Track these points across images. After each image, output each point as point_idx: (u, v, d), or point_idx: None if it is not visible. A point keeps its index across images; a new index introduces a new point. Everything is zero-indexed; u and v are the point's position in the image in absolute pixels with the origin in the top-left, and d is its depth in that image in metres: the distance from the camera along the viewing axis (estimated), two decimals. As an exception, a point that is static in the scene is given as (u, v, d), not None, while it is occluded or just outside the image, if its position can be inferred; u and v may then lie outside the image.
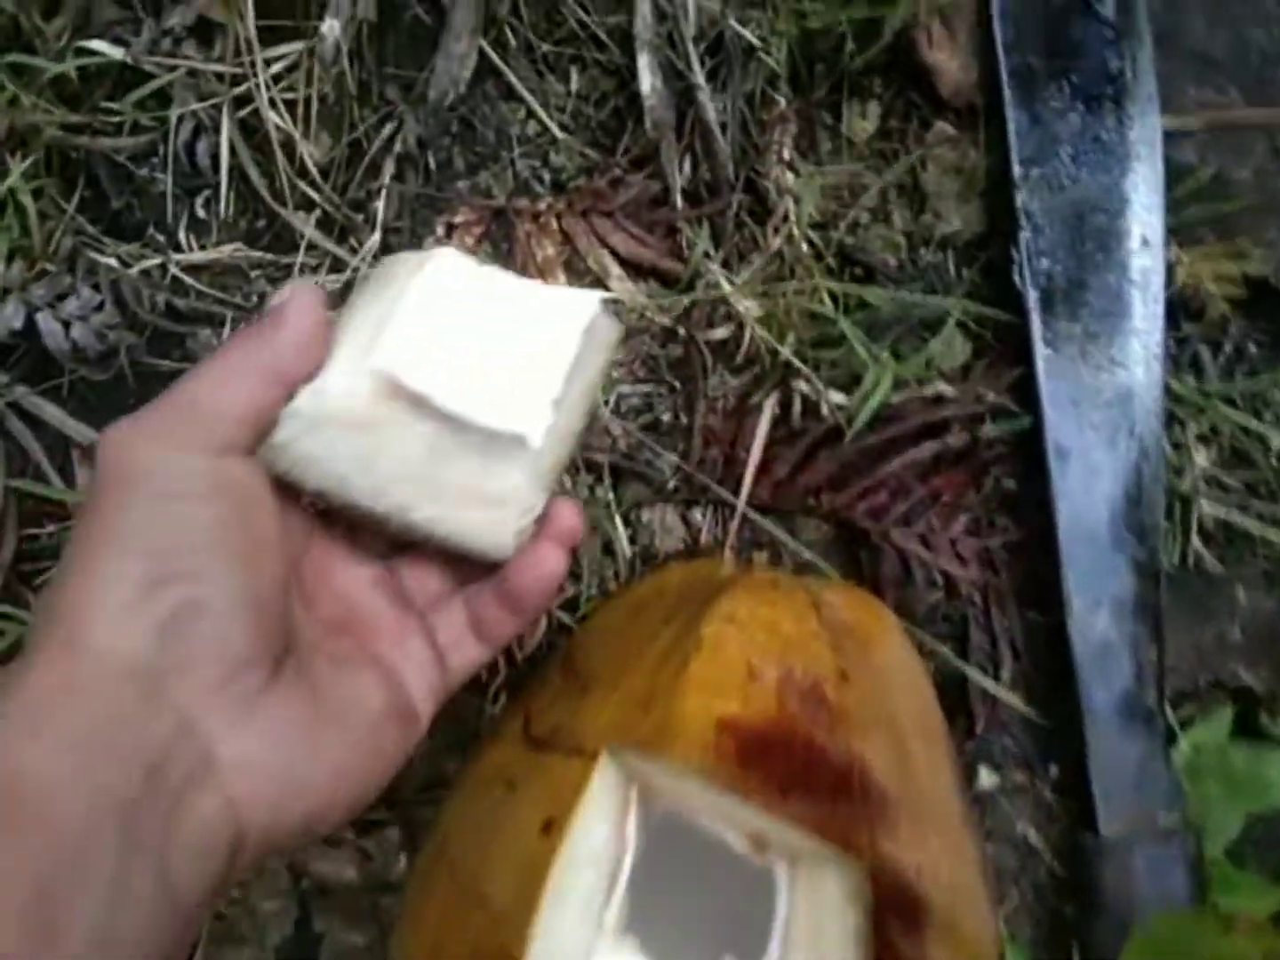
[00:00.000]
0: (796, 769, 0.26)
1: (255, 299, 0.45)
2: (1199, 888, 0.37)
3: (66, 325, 0.40)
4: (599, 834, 0.28)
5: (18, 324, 0.39)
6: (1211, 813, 0.37)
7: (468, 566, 0.31)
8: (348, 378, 0.28)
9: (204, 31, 0.42)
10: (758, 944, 0.27)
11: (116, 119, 0.42)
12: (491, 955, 0.25)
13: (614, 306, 0.42)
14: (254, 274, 0.45)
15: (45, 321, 0.39)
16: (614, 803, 0.28)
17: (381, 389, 0.28)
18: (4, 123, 0.38)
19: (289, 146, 0.43)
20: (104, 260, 0.43)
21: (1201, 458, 0.40)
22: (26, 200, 0.40)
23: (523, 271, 0.43)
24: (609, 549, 0.44)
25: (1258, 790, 0.37)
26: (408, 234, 0.44)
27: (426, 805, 0.43)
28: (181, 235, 0.45)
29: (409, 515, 0.28)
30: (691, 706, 0.27)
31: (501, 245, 0.45)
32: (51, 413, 0.44)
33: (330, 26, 0.39)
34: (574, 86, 0.44)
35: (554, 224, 0.44)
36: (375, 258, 0.43)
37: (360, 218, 0.44)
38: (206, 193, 0.45)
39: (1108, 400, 0.39)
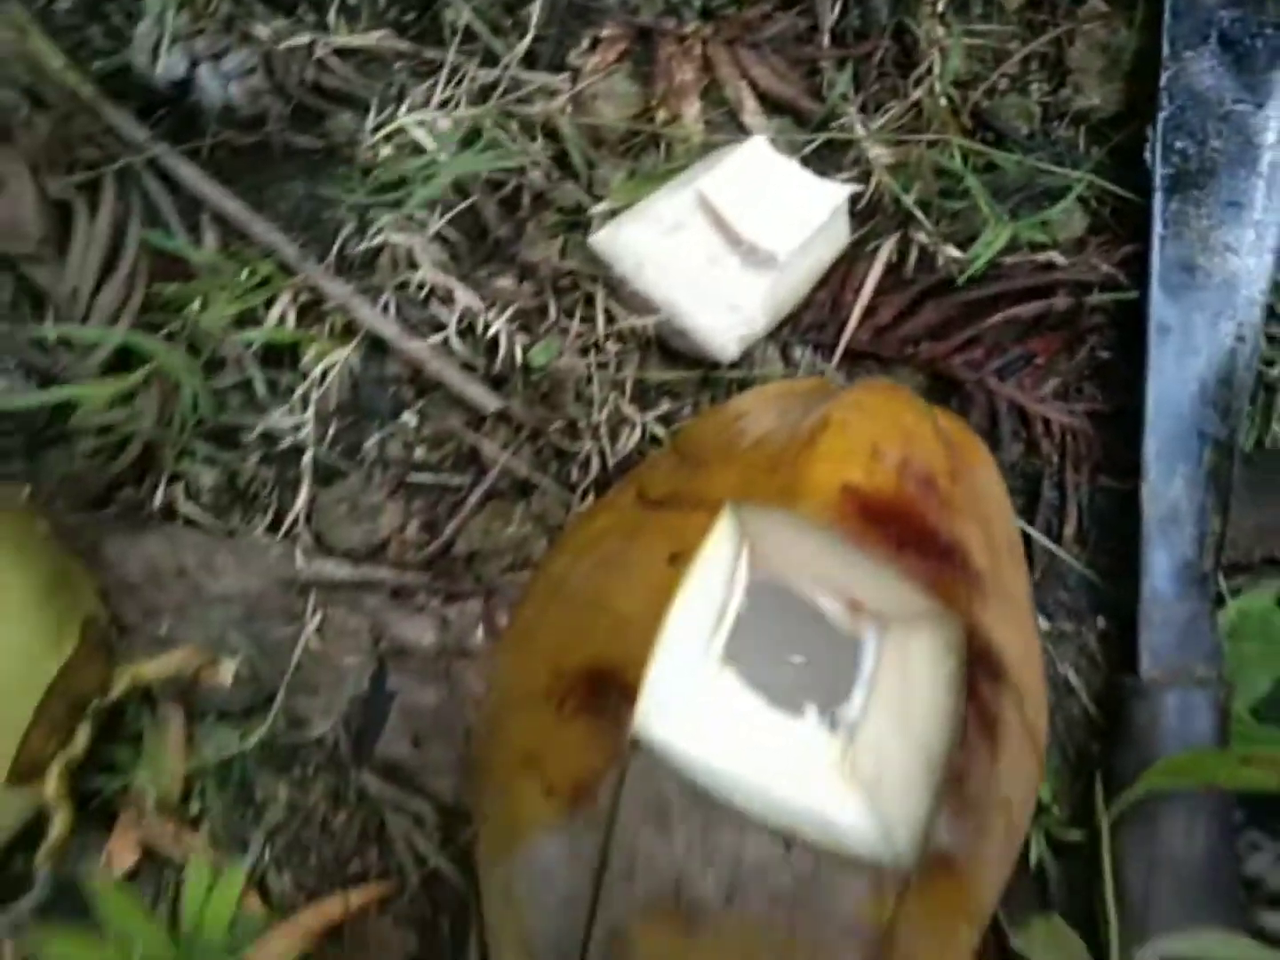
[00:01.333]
0: (910, 534, 0.29)
1: (396, 89, 0.46)
2: (1223, 737, 0.40)
3: (226, 82, 0.41)
4: (716, 574, 0.30)
5: (180, 72, 0.41)
6: (1245, 671, 0.40)
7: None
8: (672, 194, 0.41)
9: None
10: (841, 696, 0.30)
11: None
12: (615, 658, 0.28)
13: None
14: (397, 64, 0.46)
15: (206, 74, 0.41)
16: (730, 552, 0.31)
17: (695, 202, 0.40)
18: None
19: (454, -63, 0.43)
20: (257, 30, 0.44)
21: (1294, 355, 0.42)
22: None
23: (656, 93, 0.45)
24: (706, 378, 0.46)
25: (1292, 658, 0.40)
26: (554, 42, 0.45)
27: (509, 584, 0.46)
28: (331, 17, 0.46)
29: (676, 311, 0.41)
30: (818, 472, 0.29)
31: (643, 65, 0.46)
32: (187, 173, 0.46)
33: None
34: (738, -87, 0.44)
35: (697, 49, 0.45)
36: (521, 62, 0.44)
37: (509, 22, 0.45)
38: (364, -22, 0.46)
39: (1216, 284, 0.41)
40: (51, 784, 0.40)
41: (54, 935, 0.37)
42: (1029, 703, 0.30)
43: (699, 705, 0.28)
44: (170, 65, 0.40)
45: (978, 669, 0.28)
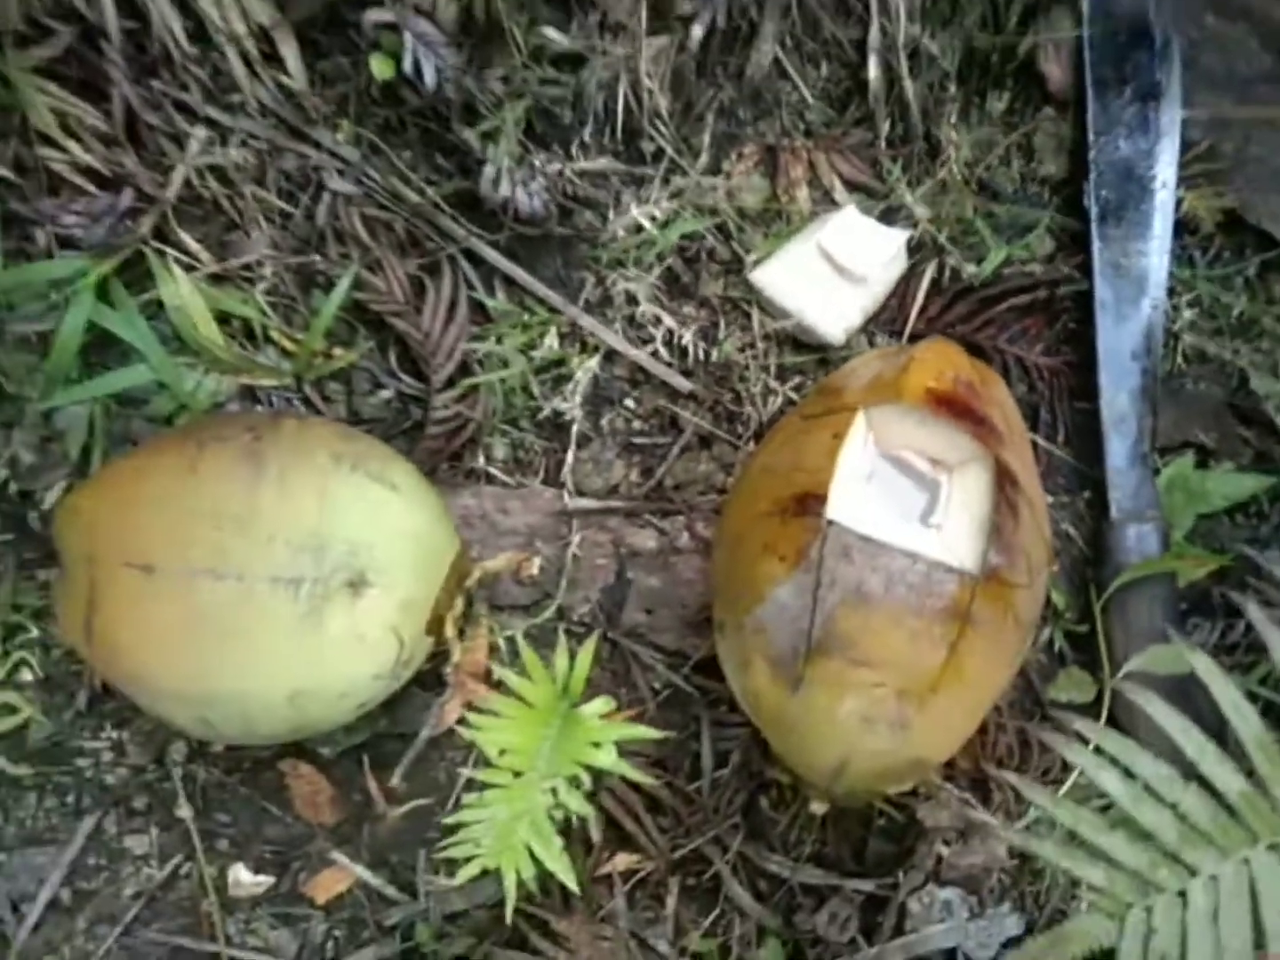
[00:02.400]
0: (963, 411, 0.55)
1: (616, 194, 0.74)
2: (1165, 552, 0.65)
3: (530, 197, 0.69)
4: (858, 443, 0.56)
5: (508, 194, 0.68)
6: (1176, 512, 0.65)
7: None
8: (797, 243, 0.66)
9: (610, 25, 0.71)
10: (929, 511, 0.56)
11: (552, 76, 0.71)
12: (812, 486, 0.54)
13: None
14: (614, 179, 0.74)
15: (521, 193, 0.69)
16: (864, 431, 0.57)
17: (814, 247, 0.68)
18: (514, 80, 0.68)
19: (651, 98, 0.71)
20: (534, 162, 0.72)
21: (1188, 314, 0.68)
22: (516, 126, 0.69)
23: (779, 185, 0.72)
24: (823, 359, 0.72)
25: (1204, 499, 0.65)
26: (714, 158, 0.73)
27: (703, 503, 0.72)
28: (574, 150, 0.74)
29: (803, 316, 0.67)
30: (912, 382, 0.55)
31: (769, 168, 0.73)
32: (490, 254, 0.74)
33: (695, 30, 0.68)
34: (823, 72, 0.72)
35: (804, 156, 0.72)
36: (700, 173, 0.72)
37: (687, 147, 0.73)
38: (590, 126, 0.73)
39: (1135, 276, 0.67)
40: (451, 629, 0.66)
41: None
42: (1035, 502, 0.56)
43: (861, 507, 0.54)
44: (504, 190, 0.68)
45: (1003, 479, 0.54)
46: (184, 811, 0.70)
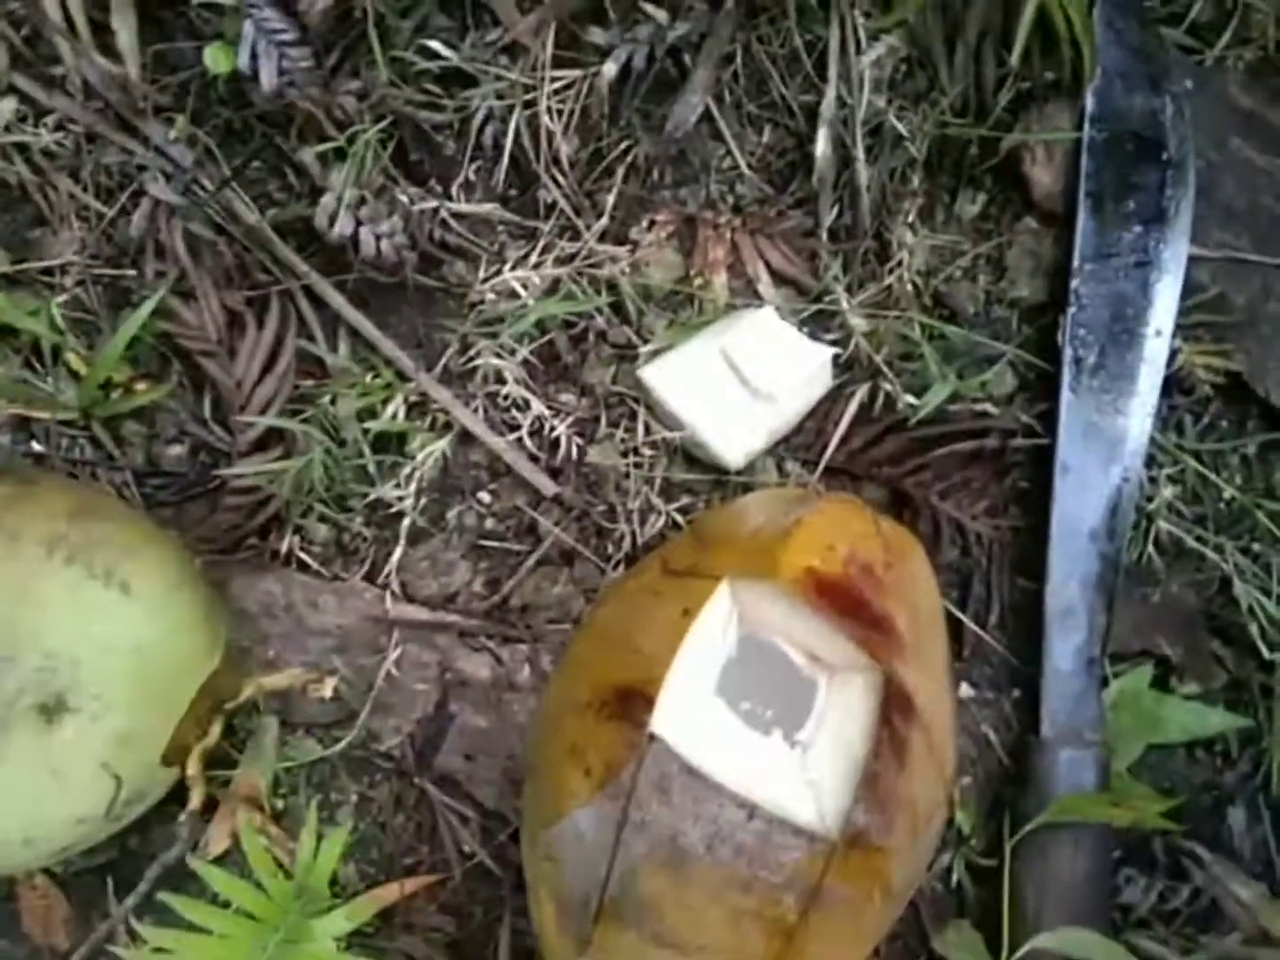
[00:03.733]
0: (850, 607, 0.41)
1: (498, 247, 0.61)
2: (1103, 787, 0.51)
3: (378, 239, 0.56)
4: (715, 626, 0.43)
5: (349, 232, 0.55)
6: (1122, 737, 0.52)
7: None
8: (703, 343, 0.56)
9: (510, 47, 0.58)
10: (799, 722, 0.42)
11: (432, 98, 0.58)
12: (639, 680, 0.40)
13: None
14: (499, 228, 0.61)
15: (365, 234, 0.55)
16: (725, 611, 0.43)
17: (719, 352, 0.55)
18: (373, 95, 0.54)
19: (551, 141, 0.58)
20: (400, 196, 0.59)
21: (1168, 492, 0.55)
22: (367, 150, 0.56)
23: (695, 264, 0.59)
24: (717, 481, 0.59)
25: (1157, 727, 0.51)
26: (620, 222, 0.60)
27: (552, 633, 0.58)
28: (454, 189, 0.61)
29: (698, 429, 0.55)
30: (790, 558, 0.42)
31: (686, 242, 0.60)
32: (333, 298, 0.60)
33: (609, 68, 0.55)
34: (765, 139, 0.59)
35: (728, 235, 0.59)
36: (600, 237, 0.59)
37: (588, 204, 0.60)
38: (479, 162, 0.60)
39: (1108, 438, 0.54)
40: (193, 766, 0.52)
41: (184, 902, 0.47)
42: (935, 735, 0.42)
43: (697, 718, 0.40)
44: (342, 227, 0.54)
45: (892, 705, 0.40)
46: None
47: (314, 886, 0.45)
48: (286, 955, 0.41)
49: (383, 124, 0.55)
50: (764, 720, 0.42)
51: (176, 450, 0.62)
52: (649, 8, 0.55)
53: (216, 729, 0.54)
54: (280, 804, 0.59)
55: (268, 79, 0.53)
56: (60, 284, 0.62)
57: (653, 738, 0.39)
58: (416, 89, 0.57)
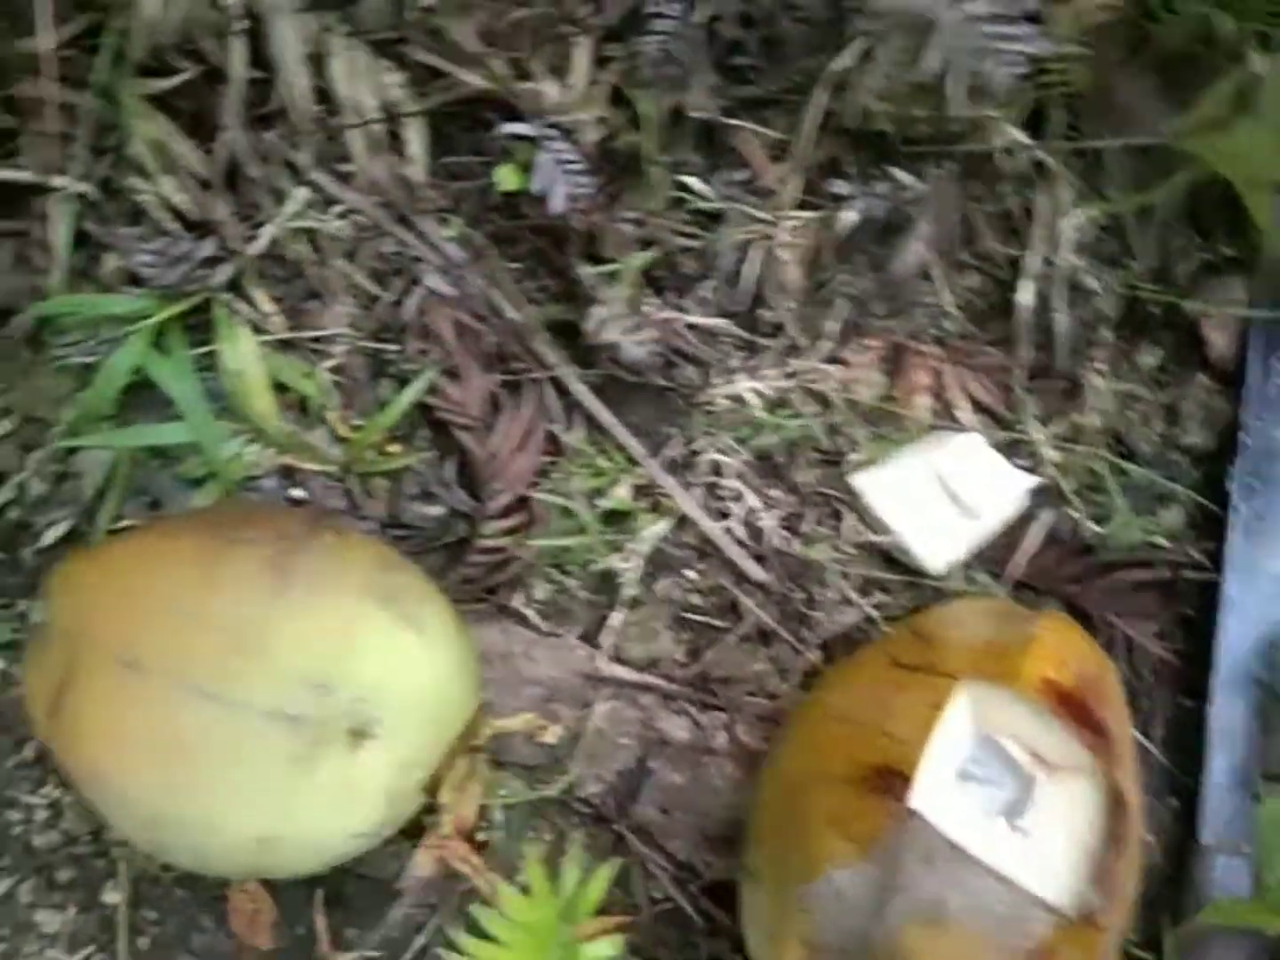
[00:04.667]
0: (1080, 715, 0.48)
1: (723, 358, 0.68)
2: (1257, 895, 0.57)
3: (635, 348, 0.64)
4: (959, 721, 0.49)
5: (613, 339, 0.63)
6: (1271, 852, 0.58)
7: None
8: (913, 458, 0.62)
9: (756, 185, 0.67)
10: (1020, 812, 0.49)
11: (688, 226, 0.66)
12: (897, 761, 0.47)
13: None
14: (726, 340, 0.69)
15: (628, 344, 0.63)
16: (967, 709, 0.50)
17: (929, 469, 0.63)
18: (648, 224, 0.63)
19: (784, 270, 0.66)
20: (644, 307, 0.67)
21: (1322, 631, 0.61)
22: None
23: (899, 385, 0.67)
24: (913, 583, 0.66)
25: (1307, 846, 0.57)
26: (836, 341, 0.68)
27: (748, 704, 0.65)
28: (689, 302, 0.69)
29: (903, 534, 0.62)
30: (1030, 667, 0.48)
31: (891, 364, 0.68)
32: (578, 388, 0.68)
33: (848, 215, 0.64)
34: (970, 282, 0.68)
35: (931, 362, 0.67)
36: (817, 356, 0.67)
37: (809, 326, 0.68)
38: (715, 281, 0.68)
39: (1270, 577, 0.61)
40: (447, 795, 0.58)
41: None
42: (1138, 824, 0.49)
43: (947, 800, 0.47)
44: (609, 334, 0.62)
45: (1116, 804, 0.47)
46: (111, 897, 0.63)
47: (579, 914, 0.51)
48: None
49: (650, 250, 0.64)
50: (993, 808, 0.49)
51: (419, 508, 0.69)
52: (890, 167, 0.64)
53: (464, 764, 0.60)
54: (481, 836, 0.65)
55: (559, 202, 0.62)
56: (328, 351, 0.70)
57: (913, 812, 0.45)
58: (676, 219, 0.66)
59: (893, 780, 0.47)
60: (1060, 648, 0.50)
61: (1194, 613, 0.63)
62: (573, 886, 0.52)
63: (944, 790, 0.47)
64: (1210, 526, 0.63)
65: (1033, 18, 0.56)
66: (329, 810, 0.53)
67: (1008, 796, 0.49)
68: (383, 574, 0.56)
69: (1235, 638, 0.60)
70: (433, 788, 0.58)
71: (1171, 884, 0.60)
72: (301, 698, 0.51)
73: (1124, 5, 0.60)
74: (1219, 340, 0.65)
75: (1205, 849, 0.58)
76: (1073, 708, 0.48)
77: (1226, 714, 0.60)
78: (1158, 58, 0.62)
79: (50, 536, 0.66)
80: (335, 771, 0.52)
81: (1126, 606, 0.62)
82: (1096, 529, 0.63)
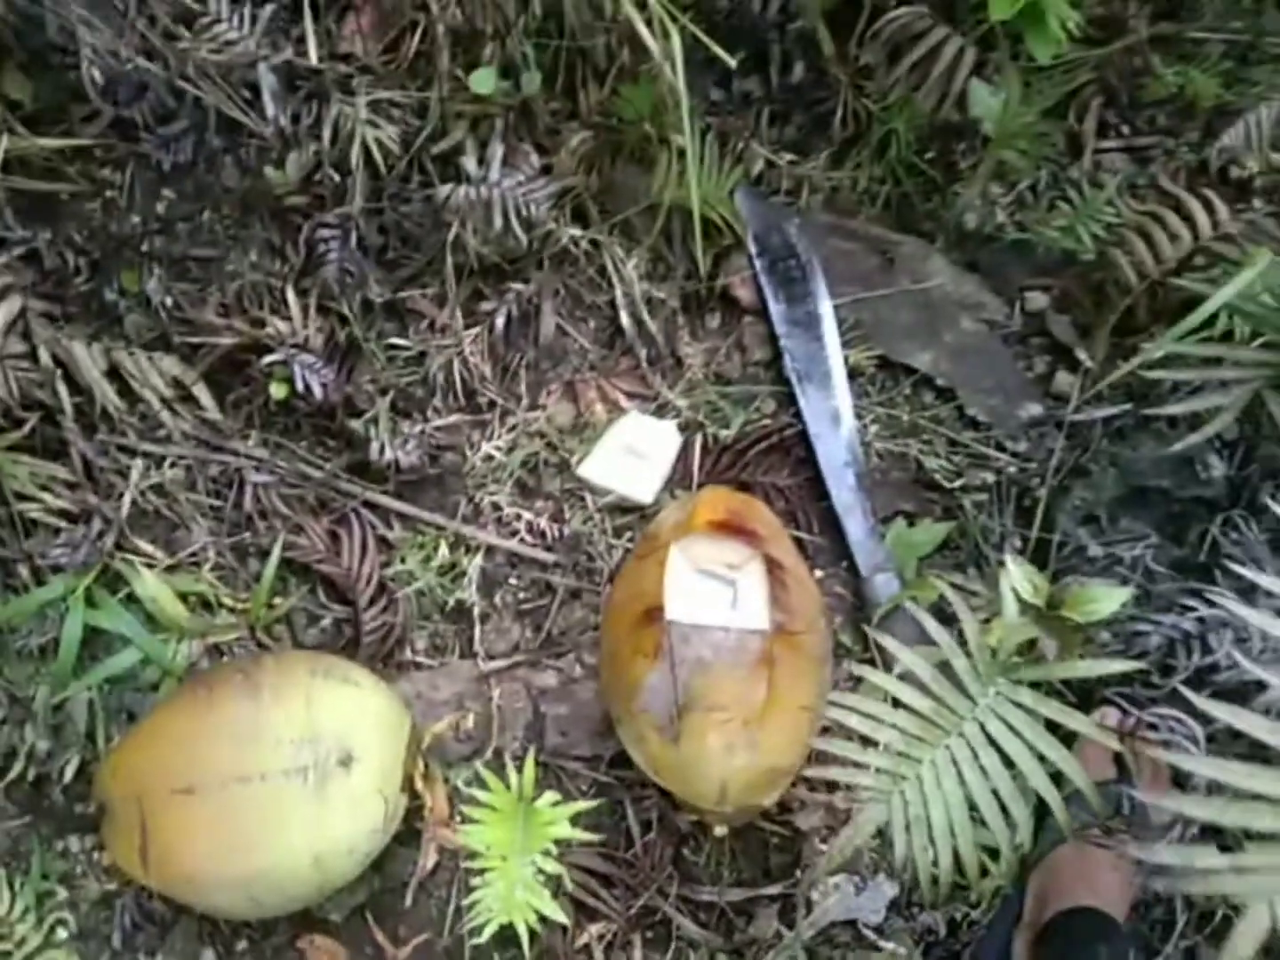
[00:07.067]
0: (736, 530, 0.82)
1: (467, 438, 1.00)
2: (903, 589, 0.94)
3: (409, 455, 0.95)
4: (675, 568, 0.82)
5: (391, 458, 0.94)
6: (902, 561, 0.95)
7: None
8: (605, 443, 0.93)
9: (436, 325, 1.00)
10: (734, 600, 0.82)
11: (407, 367, 0.99)
12: (652, 602, 0.79)
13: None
14: (463, 426, 1.01)
15: (402, 454, 0.94)
16: (678, 559, 0.83)
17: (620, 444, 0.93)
18: (380, 380, 0.95)
19: (478, 369, 0.99)
20: (412, 429, 0.98)
21: (873, 429, 1.00)
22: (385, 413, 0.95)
23: (580, 405, 1.01)
24: (642, 515, 1.00)
25: (915, 548, 0.95)
26: (533, 396, 1.01)
27: (585, 639, 0.96)
28: (429, 414, 1.01)
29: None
30: (698, 519, 0.83)
31: (569, 395, 1.02)
32: (383, 500, 0.98)
33: (499, 318, 0.98)
34: (591, 325, 1.03)
35: (593, 384, 1.02)
36: (526, 408, 1.00)
37: (509, 394, 1.01)
38: (437, 394, 1.01)
39: (831, 414, 0.99)
40: (419, 783, 0.86)
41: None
42: (799, 574, 0.83)
43: (687, 608, 0.80)
44: (388, 457, 0.93)
45: (772, 566, 0.81)
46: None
47: (526, 791, 0.80)
48: (530, 816, 0.76)
49: (389, 394, 0.96)
50: (718, 603, 0.82)
51: (313, 630, 0.97)
52: (510, 282, 0.99)
53: (421, 762, 0.88)
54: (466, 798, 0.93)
55: (318, 392, 0.92)
56: (204, 557, 0.97)
57: (670, 622, 0.78)
58: (395, 369, 0.98)
59: (654, 613, 0.79)
60: (713, 501, 0.85)
61: (801, 454, 1.00)
62: (515, 780, 0.81)
63: (682, 603, 0.80)
64: (788, 402, 1.01)
65: (546, 169, 0.93)
66: (349, 818, 0.80)
67: (724, 595, 0.83)
68: (318, 661, 0.84)
69: (827, 455, 0.98)
70: (408, 785, 0.86)
71: (861, 609, 0.95)
72: (301, 754, 0.79)
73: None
74: (745, 294, 1.04)
75: (865, 578, 0.94)
76: (730, 529, 0.83)
77: (842, 498, 0.97)
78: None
79: (69, 773, 0.89)
80: (342, 791, 0.80)
81: (761, 467, 0.99)
82: (726, 432, 0.99)
